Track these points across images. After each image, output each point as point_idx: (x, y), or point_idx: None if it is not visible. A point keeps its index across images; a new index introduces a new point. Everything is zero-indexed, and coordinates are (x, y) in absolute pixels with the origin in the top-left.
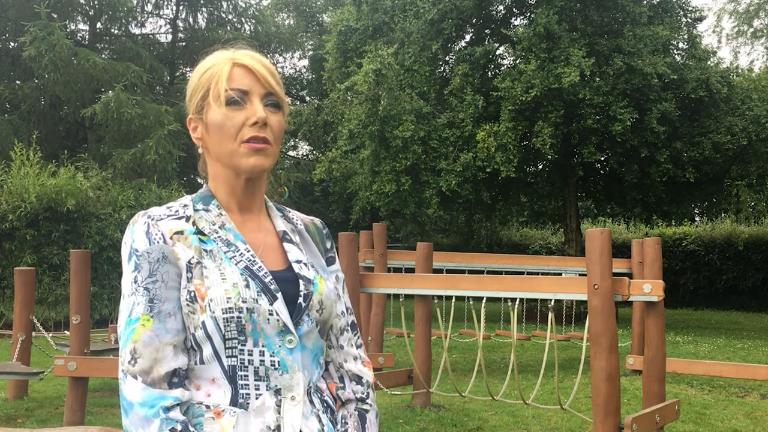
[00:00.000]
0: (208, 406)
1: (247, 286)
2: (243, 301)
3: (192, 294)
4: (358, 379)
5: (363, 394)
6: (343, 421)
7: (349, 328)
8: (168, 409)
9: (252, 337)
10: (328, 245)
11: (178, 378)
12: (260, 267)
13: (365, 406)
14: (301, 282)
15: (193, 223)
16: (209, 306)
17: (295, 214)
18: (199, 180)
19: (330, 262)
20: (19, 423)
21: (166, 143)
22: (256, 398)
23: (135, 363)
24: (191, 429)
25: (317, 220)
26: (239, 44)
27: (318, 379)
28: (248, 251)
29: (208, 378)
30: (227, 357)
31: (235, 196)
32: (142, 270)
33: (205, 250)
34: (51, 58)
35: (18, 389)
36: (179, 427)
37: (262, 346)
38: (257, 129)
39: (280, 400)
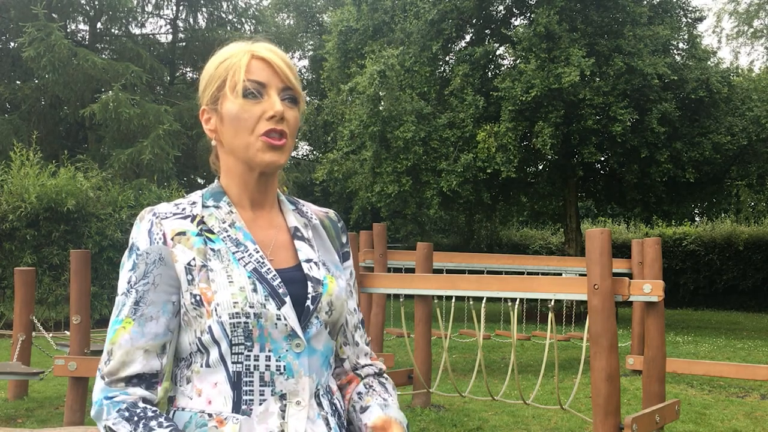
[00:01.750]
0: (210, 415)
1: (255, 290)
2: (250, 306)
3: (198, 298)
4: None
5: (378, 370)
6: (366, 385)
7: (360, 326)
8: (110, 397)
9: (259, 342)
10: (344, 239)
11: (139, 380)
12: (269, 269)
13: (383, 379)
14: (309, 284)
15: (199, 222)
16: (216, 311)
17: (309, 208)
18: (199, 180)
19: (345, 257)
20: (19, 423)
21: (163, 143)
22: (260, 404)
23: (108, 363)
24: (141, 405)
25: (332, 213)
26: (257, 37)
27: (328, 379)
28: (257, 252)
29: (211, 382)
30: (233, 363)
31: (247, 191)
32: (138, 270)
33: (213, 250)
34: (50, 58)
35: (18, 389)
36: (124, 406)
37: (269, 351)
38: (274, 123)
39: (285, 405)
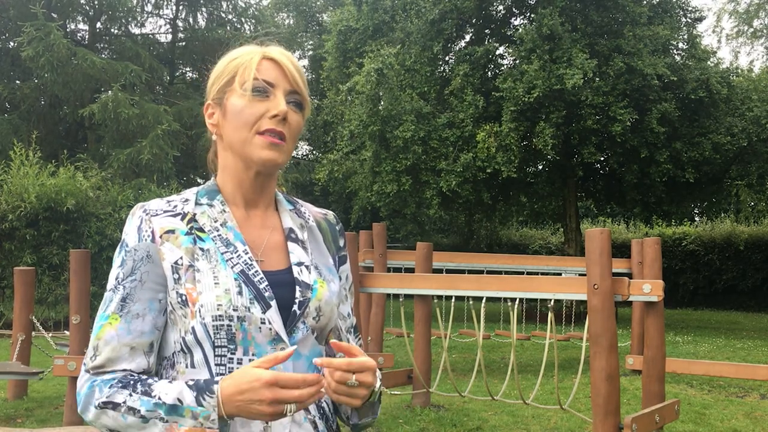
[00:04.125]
0: None
1: (240, 292)
2: (234, 309)
3: (183, 297)
4: None
5: None
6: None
7: (352, 330)
8: (98, 378)
9: (242, 345)
10: (341, 243)
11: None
12: (256, 271)
13: None
14: (297, 288)
15: (190, 221)
16: (199, 312)
17: (307, 208)
18: (199, 180)
19: (342, 261)
20: (19, 423)
21: (162, 143)
22: None
23: (93, 359)
24: (132, 375)
25: (330, 215)
26: (269, 41)
27: None
28: (246, 253)
29: None
30: (216, 365)
31: (242, 190)
32: (126, 266)
33: (202, 249)
34: (48, 58)
35: (18, 389)
36: (116, 380)
37: (252, 354)
38: (276, 122)
39: None
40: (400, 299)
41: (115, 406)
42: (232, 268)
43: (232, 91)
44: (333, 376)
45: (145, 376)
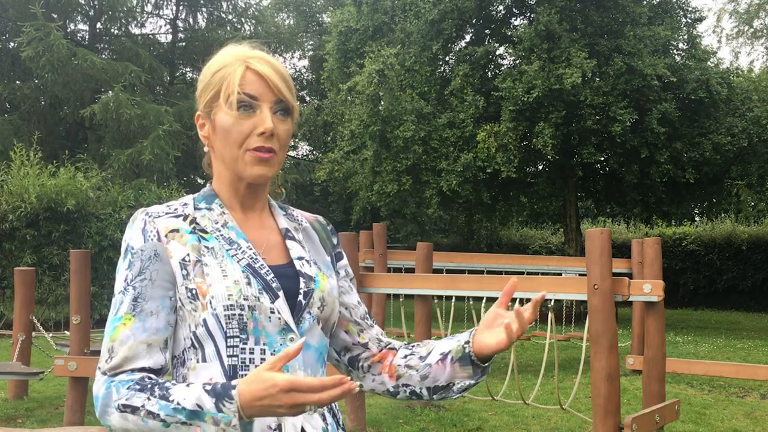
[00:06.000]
0: None
1: (249, 283)
2: (245, 299)
3: (193, 292)
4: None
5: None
6: (407, 347)
7: (367, 316)
8: (115, 380)
9: (254, 335)
10: (335, 241)
11: (144, 372)
12: (262, 264)
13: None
14: (301, 279)
15: (191, 222)
16: (210, 303)
17: (298, 213)
18: (199, 180)
19: (338, 257)
20: (19, 423)
21: (163, 143)
22: None
23: (110, 360)
24: (149, 378)
25: (321, 218)
26: (252, 43)
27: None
28: (250, 249)
29: (206, 377)
30: (228, 356)
31: (238, 196)
32: (134, 268)
33: (207, 247)
34: (48, 58)
35: (18, 389)
36: (133, 382)
37: (264, 344)
38: (264, 139)
39: None
40: (401, 299)
41: (134, 410)
42: (238, 262)
43: (218, 106)
44: (527, 315)
45: (162, 380)
